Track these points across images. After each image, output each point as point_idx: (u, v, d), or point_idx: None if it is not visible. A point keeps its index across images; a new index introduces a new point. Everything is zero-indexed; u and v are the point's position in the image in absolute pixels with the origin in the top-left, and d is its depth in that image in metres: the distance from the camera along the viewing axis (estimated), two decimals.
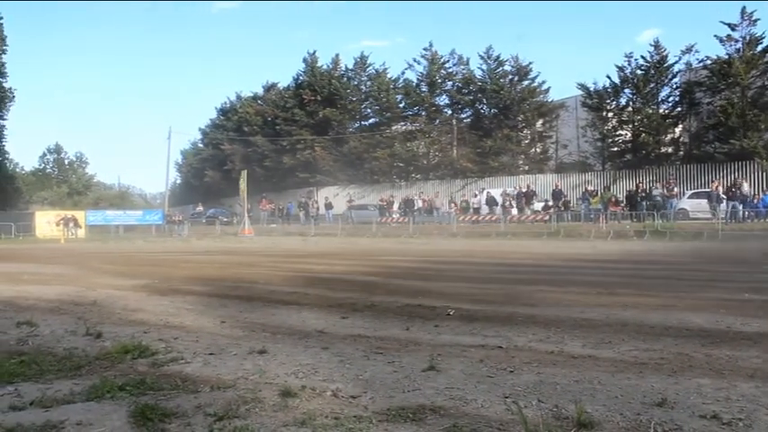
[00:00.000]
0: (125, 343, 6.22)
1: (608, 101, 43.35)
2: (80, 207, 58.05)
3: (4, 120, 55.27)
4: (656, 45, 41.12)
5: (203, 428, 3.82)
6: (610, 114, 43.60)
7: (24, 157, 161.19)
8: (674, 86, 41.54)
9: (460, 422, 3.89)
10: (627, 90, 42.51)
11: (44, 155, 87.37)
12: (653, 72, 41.03)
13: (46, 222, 44.13)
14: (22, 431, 3.72)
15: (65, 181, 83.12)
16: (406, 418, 4.00)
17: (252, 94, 63.35)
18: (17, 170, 75.19)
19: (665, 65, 40.89)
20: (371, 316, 8.34)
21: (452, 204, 40.31)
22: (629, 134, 42.65)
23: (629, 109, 42.79)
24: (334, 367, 5.43)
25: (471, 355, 5.86)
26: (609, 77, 42.72)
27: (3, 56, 53.73)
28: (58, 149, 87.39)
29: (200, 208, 55.22)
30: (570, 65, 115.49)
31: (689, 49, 39.85)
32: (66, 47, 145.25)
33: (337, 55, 55.13)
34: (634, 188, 35.07)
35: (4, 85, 54.09)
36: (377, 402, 4.38)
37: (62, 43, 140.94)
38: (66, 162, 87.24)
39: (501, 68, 47.14)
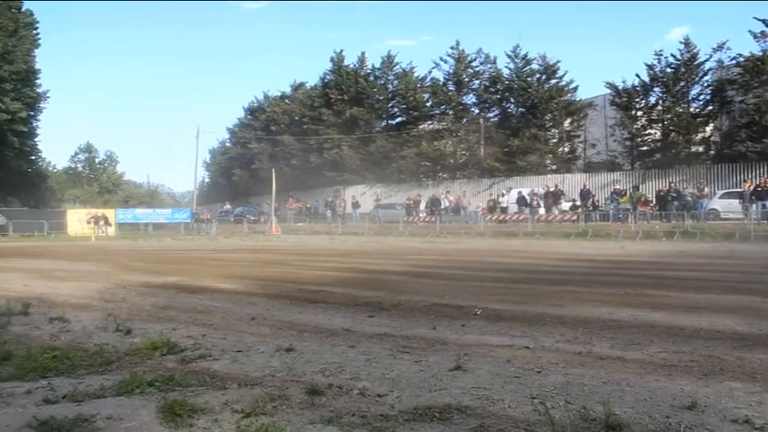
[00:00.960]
0: (154, 339, 6.29)
1: (637, 99, 42.82)
2: (110, 205, 58.84)
3: (37, 120, 56.21)
4: (687, 43, 40.60)
5: (231, 425, 3.85)
6: (639, 113, 43.05)
7: (55, 156, 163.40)
8: (705, 84, 40.93)
9: (487, 422, 3.88)
10: (656, 88, 41.98)
11: (76, 154, 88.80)
12: (683, 70, 40.47)
13: (77, 220, 44.74)
14: (55, 424, 3.78)
15: (96, 180, 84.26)
16: (432, 418, 4.00)
17: (279, 94, 63.74)
18: (50, 169, 76.38)
19: (696, 63, 40.30)
20: (398, 315, 8.34)
21: (483, 206, 40.11)
22: (659, 133, 42.10)
23: (659, 108, 42.23)
24: (360, 366, 5.44)
25: (498, 354, 5.84)
26: (638, 76, 42.32)
27: (37, 61, 54.69)
28: (89, 148, 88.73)
29: (227, 206, 55.58)
30: (599, 63, 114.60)
31: (720, 47, 39.24)
32: (97, 46, 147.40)
33: (363, 54, 55.22)
34: (663, 188, 34.65)
35: (38, 89, 54.95)
36: (403, 401, 4.38)
37: (93, 43, 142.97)
38: (97, 161, 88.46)
39: (528, 67, 46.87)
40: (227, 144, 72.49)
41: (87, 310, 8.94)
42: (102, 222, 43.69)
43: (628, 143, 42.92)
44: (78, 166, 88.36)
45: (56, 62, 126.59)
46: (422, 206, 42.56)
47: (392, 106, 53.79)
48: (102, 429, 3.81)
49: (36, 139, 57.33)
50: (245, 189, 63.16)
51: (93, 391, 4.62)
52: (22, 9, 53.10)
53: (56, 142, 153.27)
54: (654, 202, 34.82)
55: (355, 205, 45.49)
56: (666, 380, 4.88)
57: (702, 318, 7.70)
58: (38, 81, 55.10)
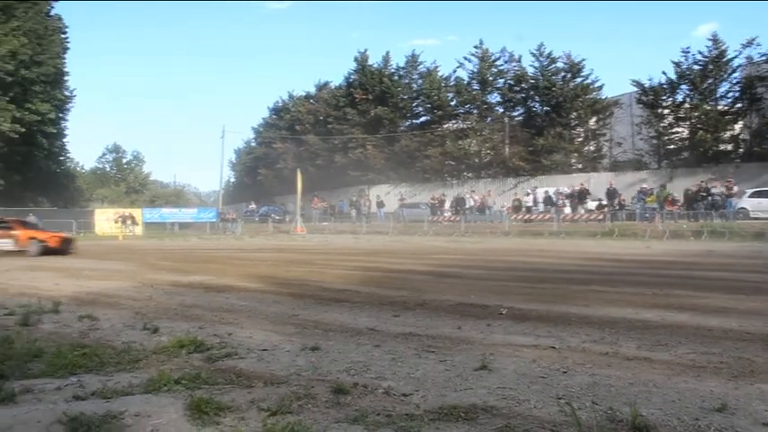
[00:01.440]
0: (181, 338, 6.35)
1: (664, 97, 42.26)
2: (137, 205, 59.43)
3: (65, 121, 57.00)
4: (715, 39, 39.95)
5: (257, 423, 3.87)
6: (666, 111, 42.44)
7: (83, 156, 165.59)
8: (734, 81, 40.26)
9: (513, 422, 3.87)
10: (684, 86, 41.35)
11: (103, 154, 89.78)
12: (711, 67, 39.84)
13: (105, 220, 45.30)
14: (84, 420, 3.83)
15: (123, 180, 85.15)
16: (457, 418, 3.99)
17: (304, 94, 63.94)
18: (78, 169, 77.36)
19: (724, 59, 39.67)
20: (423, 314, 8.34)
21: (508, 205, 39.89)
22: (686, 131, 41.49)
23: (686, 105, 41.59)
24: (385, 365, 5.45)
25: (524, 354, 5.81)
26: (665, 73, 41.74)
27: (66, 64, 55.47)
28: (116, 149, 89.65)
29: (253, 206, 55.90)
30: (625, 61, 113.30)
31: (750, 43, 38.54)
32: (123, 47, 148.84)
33: (388, 53, 55.22)
34: (691, 187, 34.21)
35: (66, 91, 55.74)
36: (428, 401, 4.38)
37: (118, 43, 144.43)
38: (124, 161, 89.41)
39: (553, 65, 46.49)
40: (253, 144, 72.84)
41: (115, 309, 9.05)
42: (129, 222, 44.18)
43: (654, 142, 42.38)
44: (106, 166, 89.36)
45: (83, 62, 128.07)
46: (446, 205, 42.44)
47: (416, 105, 53.67)
48: (131, 426, 3.85)
49: (64, 140, 58.17)
50: (270, 189, 63.46)
51: (122, 388, 4.67)
52: (51, 13, 53.83)
53: (83, 143, 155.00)
54: (681, 201, 34.39)
55: (380, 205, 45.51)
56: (695, 381, 4.83)
57: (731, 319, 7.60)
58: (66, 83, 55.93)
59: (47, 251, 22.46)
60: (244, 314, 8.51)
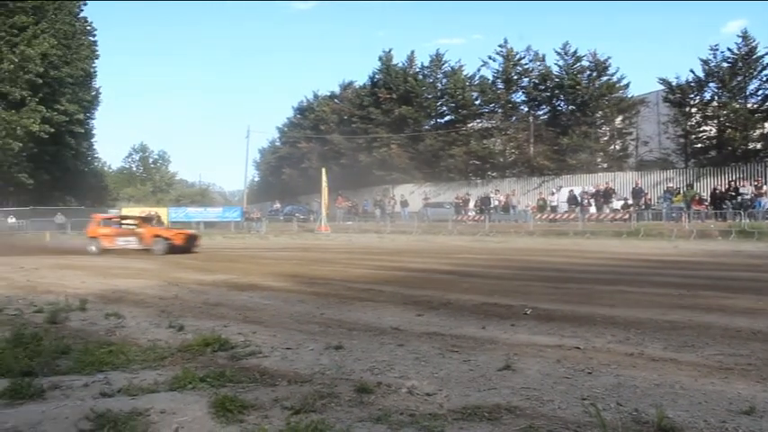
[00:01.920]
0: (206, 336, 6.39)
1: (691, 95, 41.74)
2: (163, 204, 59.93)
3: (92, 120, 57.84)
4: (745, 36, 39.35)
5: (280, 421, 3.88)
6: (693, 110, 41.92)
7: (109, 156, 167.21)
8: (764, 79, 39.66)
9: (537, 423, 3.85)
10: (712, 84, 40.79)
11: (130, 154, 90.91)
12: (740, 65, 39.29)
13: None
14: (111, 417, 3.87)
15: (149, 179, 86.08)
16: (481, 417, 3.98)
17: (329, 94, 64.10)
18: (105, 169, 78.35)
19: (755, 56, 39.07)
20: (447, 314, 8.32)
21: (532, 204, 39.67)
22: (714, 130, 40.92)
23: (715, 104, 41.02)
24: (409, 364, 5.44)
25: (548, 355, 5.78)
26: (692, 71, 41.19)
27: (95, 67, 56.29)
28: (143, 148, 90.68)
29: (277, 205, 56.14)
30: (651, 60, 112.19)
31: None
32: (148, 46, 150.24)
33: (412, 52, 55.12)
34: (719, 186, 33.74)
35: (93, 92, 56.48)
36: (452, 400, 4.37)
37: (144, 43, 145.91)
38: (151, 161, 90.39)
39: (578, 64, 46.11)
40: (277, 143, 73.19)
41: (141, 307, 9.14)
42: (155, 221, 44.56)
43: (681, 140, 41.87)
44: (132, 165, 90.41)
45: (110, 62, 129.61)
46: (471, 205, 42.32)
47: (441, 105, 53.53)
48: (156, 423, 3.88)
49: (92, 140, 59.03)
50: (294, 188, 63.68)
51: (147, 385, 4.72)
52: (79, 15, 54.53)
53: (110, 142, 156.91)
54: (708, 200, 33.96)
55: (404, 204, 45.48)
56: (722, 383, 4.77)
57: (760, 320, 7.49)
58: (93, 83, 56.73)
59: (172, 249, 22.45)
60: (268, 313, 8.56)
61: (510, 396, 4.45)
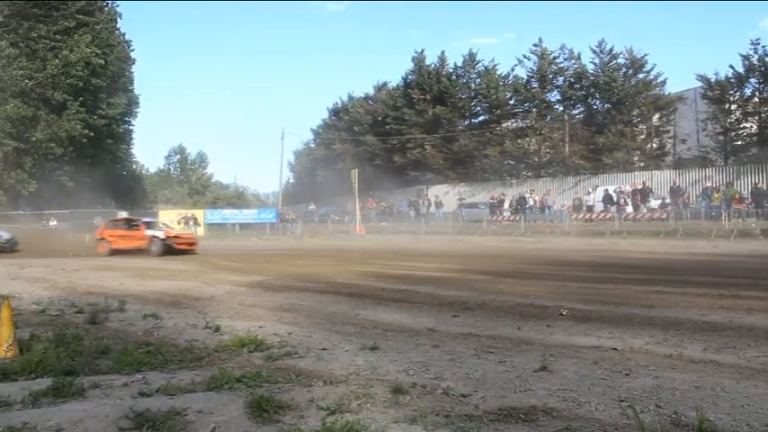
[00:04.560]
0: (242, 337, 6.45)
1: (731, 92, 40.96)
2: (199, 206, 60.63)
3: (131, 124, 58.86)
4: None
5: (316, 422, 3.90)
6: (733, 106, 41.18)
7: (145, 158, 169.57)
8: None
9: (573, 425, 3.81)
10: (752, 80, 40.00)
11: (169, 155, 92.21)
12: None
13: (168, 221, 46.27)
14: (150, 416, 3.93)
15: (186, 181, 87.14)
16: (517, 419, 3.95)
17: (363, 95, 64.24)
18: (142, 171, 79.54)
19: None
20: (482, 315, 8.29)
21: (568, 204, 39.28)
22: (755, 126, 40.12)
23: (755, 100, 40.21)
24: (444, 365, 5.43)
25: (585, 356, 5.72)
26: (732, 67, 40.40)
27: (132, 71, 57.30)
28: (181, 150, 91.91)
29: (312, 206, 56.37)
30: (689, 56, 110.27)
31: None
32: (184, 49, 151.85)
33: (443, 52, 54.99)
34: (761, 183, 32.98)
35: (131, 95, 57.47)
36: (488, 402, 4.35)
37: (179, 46, 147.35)
38: (189, 162, 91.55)
39: (614, 62, 45.54)
40: (312, 145, 73.55)
41: (178, 308, 9.26)
42: (191, 223, 45.04)
43: (721, 138, 41.12)
44: (171, 167, 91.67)
45: (147, 66, 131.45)
46: (506, 205, 42.05)
47: (475, 105, 53.32)
48: (193, 423, 3.93)
49: (131, 143, 60.01)
50: (329, 189, 63.84)
51: (185, 385, 4.78)
52: (118, 26, 55.51)
53: (147, 145, 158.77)
54: (749, 198, 33.27)
55: (438, 204, 45.36)
56: (765, 386, 4.67)
57: None
58: (132, 88, 57.76)
59: (169, 250, 23.32)
60: (303, 313, 8.60)
61: (546, 397, 4.42)
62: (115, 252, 24.22)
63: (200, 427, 3.86)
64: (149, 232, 24.56)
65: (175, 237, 24.89)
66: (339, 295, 10.65)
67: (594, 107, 47.28)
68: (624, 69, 45.13)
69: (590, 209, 37.72)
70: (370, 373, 5.16)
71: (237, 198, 79.46)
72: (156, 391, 4.65)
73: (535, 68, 49.29)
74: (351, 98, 65.83)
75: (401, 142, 53.48)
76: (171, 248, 23.46)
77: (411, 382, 4.83)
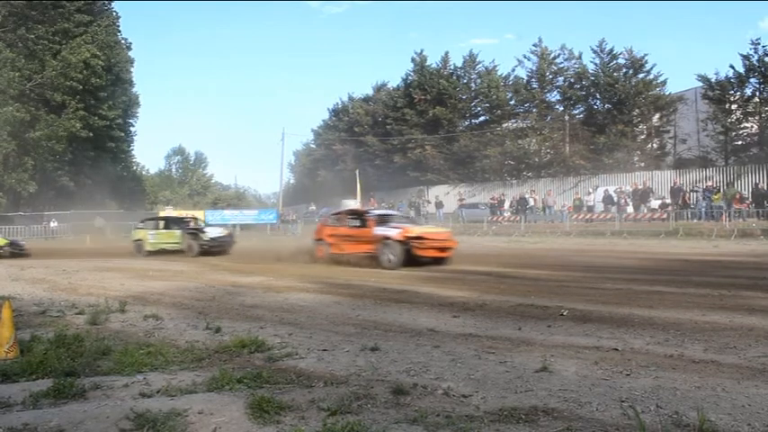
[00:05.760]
0: (242, 337, 6.45)
1: (731, 92, 40.94)
2: (199, 207, 60.63)
3: (132, 126, 58.95)
4: None
5: (317, 422, 3.90)
6: (733, 106, 41.16)
7: (145, 158, 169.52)
8: None
9: (574, 425, 3.81)
10: (753, 80, 39.98)
11: (169, 156, 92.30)
12: None
13: None
14: (150, 417, 3.93)
15: (186, 182, 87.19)
16: (518, 420, 3.95)
17: (363, 96, 64.24)
18: (143, 172, 79.60)
19: None
20: (483, 315, 8.29)
21: (568, 204, 39.28)
22: (755, 126, 40.12)
23: (756, 100, 40.21)
24: (445, 366, 5.43)
25: (585, 356, 5.72)
26: (732, 67, 40.40)
27: (131, 72, 57.40)
28: (181, 151, 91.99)
29: (312, 207, 56.36)
30: (688, 56, 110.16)
31: None
32: (182, 50, 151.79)
33: (446, 53, 55.12)
34: (761, 183, 32.96)
35: (131, 95, 57.55)
36: (489, 402, 4.35)
37: (178, 46, 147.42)
38: (190, 163, 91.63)
39: (614, 62, 45.60)
40: (312, 146, 73.57)
41: (179, 309, 9.26)
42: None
43: (721, 138, 41.13)
44: (172, 168, 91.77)
45: (146, 67, 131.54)
46: (506, 205, 42.07)
47: (475, 105, 53.41)
48: (194, 424, 3.93)
49: (131, 144, 60.13)
50: (329, 190, 63.85)
51: (186, 386, 4.78)
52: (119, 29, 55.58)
53: (146, 146, 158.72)
54: (750, 198, 33.26)
55: (439, 205, 45.37)
56: (767, 386, 4.67)
57: None
58: (132, 89, 57.90)
59: None
60: (304, 314, 8.60)
61: (547, 398, 4.42)
62: (338, 260, 17.64)
63: (201, 428, 3.86)
64: (380, 231, 17.10)
65: (419, 238, 16.50)
66: (339, 296, 10.65)
67: (595, 107, 47.29)
68: (624, 69, 45.16)
69: (590, 209, 37.73)
70: (371, 374, 5.16)
71: (238, 199, 79.42)
72: (157, 392, 4.65)
73: (535, 69, 49.37)
74: (351, 99, 65.87)
75: (401, 143, 53.53)
76: (412, 257, 16.21)
77: (412, 382, 4.83)
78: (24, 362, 5.45)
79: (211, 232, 24.84)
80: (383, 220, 18.28)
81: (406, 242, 16.18)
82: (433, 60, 55.60)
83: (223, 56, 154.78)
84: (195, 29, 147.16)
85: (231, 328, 7.36)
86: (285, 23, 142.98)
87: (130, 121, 58.81)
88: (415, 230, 17.03)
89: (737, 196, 32.66)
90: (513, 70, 51.26)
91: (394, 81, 60.49)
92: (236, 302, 9.92)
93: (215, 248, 23.52)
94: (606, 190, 37.92)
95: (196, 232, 24.57)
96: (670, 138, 44.90)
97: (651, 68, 44.45)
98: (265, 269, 16.30)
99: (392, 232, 16.65)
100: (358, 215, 19.56)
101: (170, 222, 26.93)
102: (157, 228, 26.00)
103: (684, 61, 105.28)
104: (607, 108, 45.80)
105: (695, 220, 32.05)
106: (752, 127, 40.42)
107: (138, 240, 25.23)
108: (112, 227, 41.60)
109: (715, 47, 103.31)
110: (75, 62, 44.03)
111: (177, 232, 25.02)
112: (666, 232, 29.19)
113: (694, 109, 42.62)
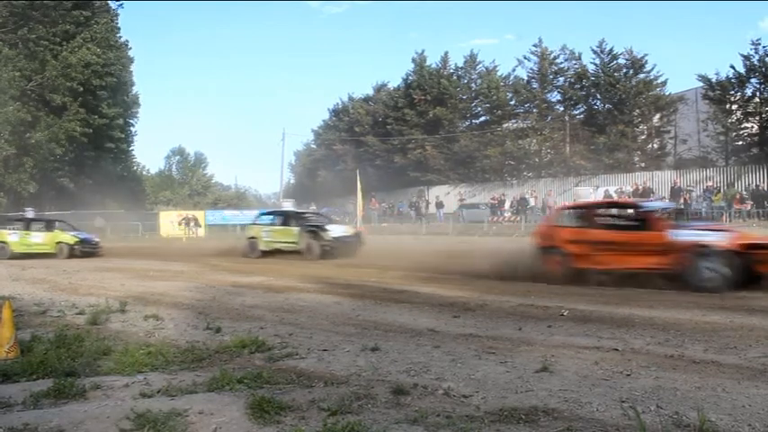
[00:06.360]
0: (243, 338, 6.46)
1: (732, 92, 40.91)
2: (200, 207, 60.62)
3: (132, 126, 58.91)
4: None
5: (317, 422, 3.90)
6: (734, 106, 41.12)
7: (146, 159, 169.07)
8: None
9: (574, 425, 3.81)
10: (753, 80, 39.94)
11: (168, 156, 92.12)
12: None
13: (169, 222, 46.33)
14: (151, 417, 3.93)
15: (186, 182, 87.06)
16: (518, 420, 3.95)
17: (363, 96, 64.20)
18: (143, 173, 79.52)
19: None
20: (483, 315, 8.29)
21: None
22: (756, 127, 40.09)
23: (756, 100, 40.17)
24: (445, 366, 5.43)
25: (586, 356, 5.72)
26: (733, 67, 40.35)
27: (131, 72, 57.36)
28: (181, 151, 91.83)
29: (313, 207, 56.41)
30: (689, 56, 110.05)
31: None
32: (182, 50, 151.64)
33: (446, 53, 55.05)
34: (762, 184, 32.95)
35: (131, 95, 57.57)
36: (489, 402, 4.35)
37: (178, 46, 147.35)
38: (190, 163, 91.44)
39: (615, 62, 45.56)
40: (312, 146, 73.52)
41: (179, 309, 9.26)
42: (192, 224, 45.07)
43: (721, 138, 41.08)
44: (173, 167, 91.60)
45: (147, 67, 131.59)
46: (506, 205, 42.06)
47: (475, 105, 53.36)
48: (195, 424, 3.93)
49: (131, 145, 60.09)
50: (329, 190, 63.83)
51: (186, 386, 4.78)
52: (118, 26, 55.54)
53: (147, 146, 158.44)
54: (750, 198, 33.26)
55: (439, 205, 45.33)
56: (767, 387, 4.66)
57: None
58: (132, 90, 57.88)
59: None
60: (304, 314, 8.60)
61: (547, 398, 4.42)
62: (588, 278, 11.89)
63: (201, 428, 3.87)
64: (686, 235, 11.34)
65: (761, 247, 10.66)
66: (340, 296, 10.65)
67: (595, 107, 47.23)
68: (625, 69, 45.12)
69: None
70: (372, 374, 5.16)
71: (238, 199, 79.36)
72: (157, 392, 4.65)
73: (535, 69, 49.29)
74: (351, 99, 65.82)
75: (402, 143, 53.50)
76: (752, 275, 10.36)
77: (412, 382, 4.84)
78: (25, 362, 5.45)
79: (335, 231, 21.62)
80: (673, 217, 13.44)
81: (743, 253, 10.50)
82: (433, 60, 55.55)
83: (223, 56, 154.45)
84: (195, 29, 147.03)
85: (231, 328, 7.36)
86: (285, 23, 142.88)
87: (130, 121, 58.72)
88: (751, 236, 11.89)
89: (738, 196, 32.68)
90: (514, 70, 51.23)
91: (394, 81, 60.43)
92: (237, 302, 9.92)
93: (338, 250, 20.44)
94: (607, 190, 37.92)
95: (317, 230, 21.17)
96: (670, 138, 44.88)
97: (651, 68, 44.41)
98: (265, 269, 16.30)
99: (711, 237, 11.13)
100: (632, 209, 14.69)
101: (288, 218, 23.25)
102: (273, 224, 23.17)
103: (684, 61, 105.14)
104: (607, 108, 45.76)
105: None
106: (752, 127, 40.39)
107: (253, 238, 22.70)
108: (113, 227, 41.57)
109: (715, 47, 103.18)
110: (75, 62, 44.00)
111: (295, 230, 21.58)
112: None
113: (695, 109, 42.59)
